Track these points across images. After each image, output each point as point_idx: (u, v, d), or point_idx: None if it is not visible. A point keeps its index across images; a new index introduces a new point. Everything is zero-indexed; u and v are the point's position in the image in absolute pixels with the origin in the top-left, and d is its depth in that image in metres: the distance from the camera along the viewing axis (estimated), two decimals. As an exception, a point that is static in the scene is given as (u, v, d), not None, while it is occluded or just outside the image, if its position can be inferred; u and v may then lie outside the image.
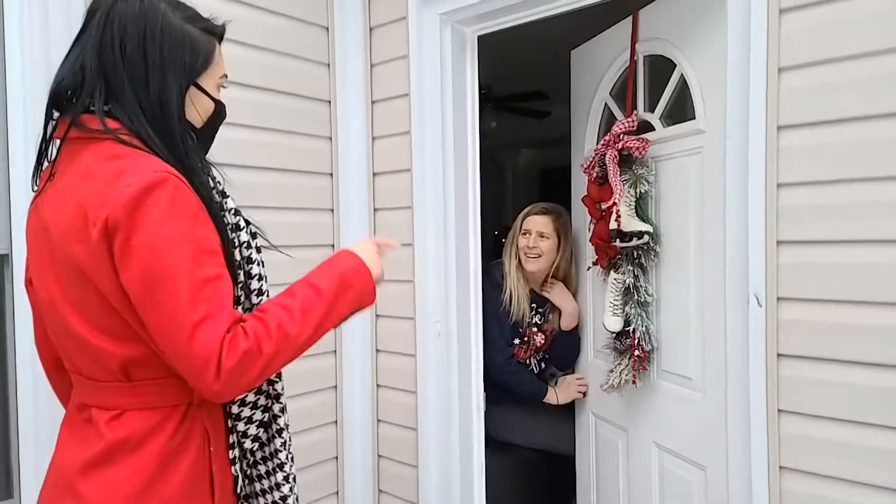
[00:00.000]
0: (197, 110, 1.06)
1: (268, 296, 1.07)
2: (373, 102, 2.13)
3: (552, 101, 4.34)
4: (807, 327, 1.34)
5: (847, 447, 1.30)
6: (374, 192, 2.14)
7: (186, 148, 1.00)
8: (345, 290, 1.04)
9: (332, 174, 2.14)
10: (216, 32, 1.07)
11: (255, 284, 1.05)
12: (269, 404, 1.10)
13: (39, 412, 1.52)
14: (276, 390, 1.10)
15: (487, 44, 2.08)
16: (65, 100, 0.99)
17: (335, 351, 2.16)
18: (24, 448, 1.53)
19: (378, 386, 2.17)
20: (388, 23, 2.06)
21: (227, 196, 1.05)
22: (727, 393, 1.49)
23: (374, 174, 2.14)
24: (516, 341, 2.38)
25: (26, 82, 1.51)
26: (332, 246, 2.15)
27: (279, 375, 1.10)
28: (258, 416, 1.08)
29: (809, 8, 1.31)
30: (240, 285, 1.03)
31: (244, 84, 1.86)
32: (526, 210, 2.43)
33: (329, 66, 2.12)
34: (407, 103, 2.01)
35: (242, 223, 1.06)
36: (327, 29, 2.11)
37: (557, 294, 2.37)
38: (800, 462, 1.35)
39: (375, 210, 2.14)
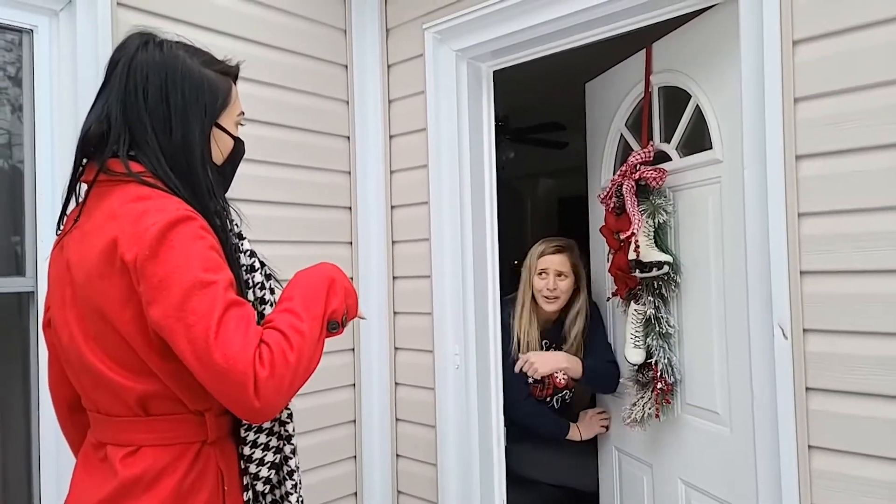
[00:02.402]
0: (219, 149, 1.09)
1: None
2: (391, 137, 2.16)
3: (569, 131, 4.37)
4: (835, 360, 1.30)
5: (881, 485, 1.25)
6: (393, 224, 2.16)
7: (209, 188, 1.03)
8: (331, 283, 1.05)
9: (350, 207, 2.17)
10: (231, 73, 1.11)
11: None
12: (281, 445, 1.10)
13: (61, 446, 1.52)
14: (287, 431, 1.10)
15: (504, 76, 2.10)
16: (92, 147, 1.02)
17: (354, 384, 2.16)
18: (46, 482, 1.54)
19: (397, 420, 2.16)
20: (406, 60, 2.10)
21: (244, 238, 1.07)
22: (755, 428, 1.45)
23: (392, 207, 2.16)
24: (531, 380, 2.30)
25: (54, 127, 1.56)
26: (351, 279, 2.16)
27: (290, 416, 1.10)
28: (270, 457, 1.08)
29: (823, 39, 1.31)
30: None
31: (266, 122, 1.90)
32: (539, 248, 2.35)
33: (348, 102, 2.16)
34: (424, 137, 2.04)
35: (257, 264, 1.07)
36: (346, 66, 2.16)
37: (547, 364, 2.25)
38: (832, 500, 1.31)
39: (394, 242, 2.16)
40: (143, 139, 1.00)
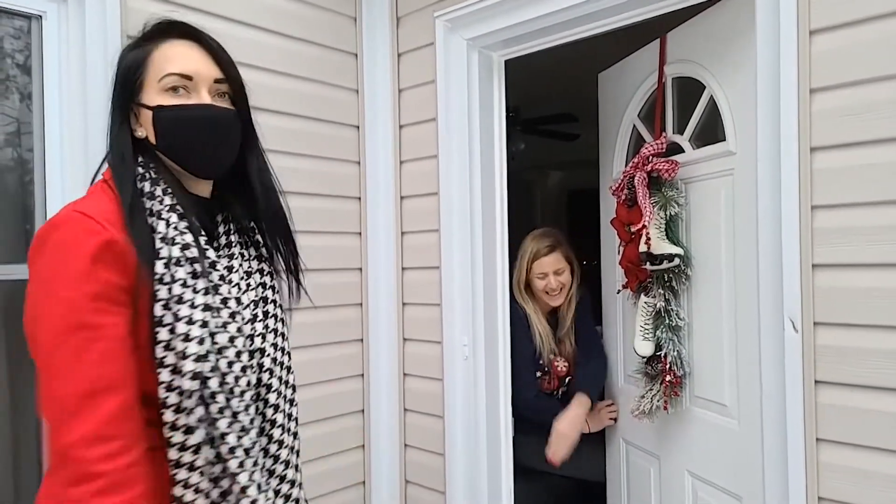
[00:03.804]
0: (146, 126, 0.99)
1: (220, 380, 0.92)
2: (401, 127, 2.15)
3: (581, 123, 4.33)
4: (845, 353, 1.29)
5: (889, 478, 1.24)
6: (402, 215, 2.15)
7: (118, 174, 0.97)
8: None
9: (360, 198, 2.16)
10: (152, 38, 1.01)
11: (191, 348, 0.90)
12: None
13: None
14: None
15: (516, 67, 2.09)
16: None
17: (363, 375, 2.16)
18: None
19: (405, 410, 2.16)
20: (416, 49, 2.09)
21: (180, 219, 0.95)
22: (763, 421, 1.44)
23: (402, 197, 2.15)
24: (538, 374, 2.34)
25: (63, 115, 1.57)
26: (360, 269, 2.17)
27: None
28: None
29: (839, 29, 1.29)
30: (161, 344, 0.90)
31: (275, 111, 1.90)
32: (530, 251, 2.34)
33: (358, 91, 2.15)
34: (434, 127, 2.03)
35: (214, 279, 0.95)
36: (356, 55, 2.15)
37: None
38: (839, 493, 1.30)
39: (403, 233, 2.15)
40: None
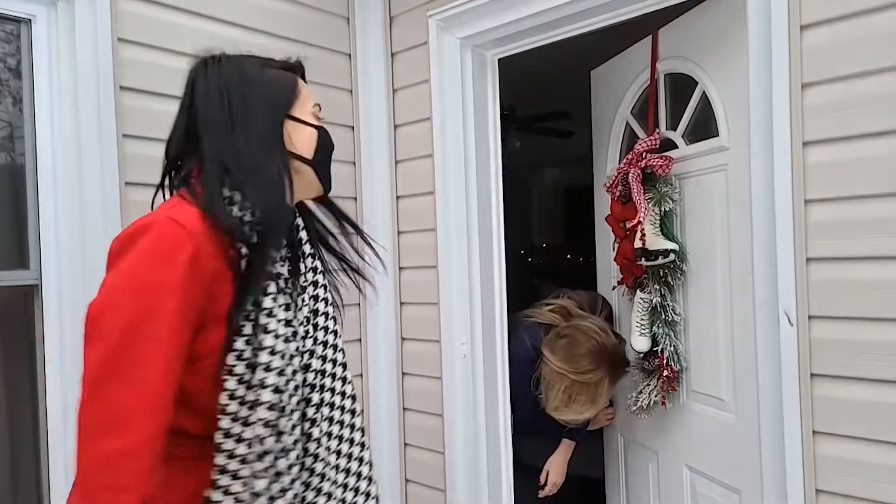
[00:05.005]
0: (302, 140, 1.07)
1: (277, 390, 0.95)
2: (395, 127, 2.15)
3: (576, 120, 4.34)
4: (840, 346, 1.30)
5: (885, 469, 1.25)
6: (398, 214, 2.16)
7: (277, 182, 1.00)
8: None
9: (356, 198, 2.16)
10: (294, 68, 1.12)
11: (274, 362, 0.94)
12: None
13: (68, 440, 1.54)
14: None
15: (510, 65, 2.09)
16: (170, 178, 1.07)
17: (361, 374, 2.17)
18: (55, 473, 1.56)
19: (405, 409, 2.17)
20: (410, 48, 2.09)
21: (315, 267, 1.05)
22: (760, 414, 1.45)
23: (398, 197, 2.15)
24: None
25: (55, 119, 1.56)
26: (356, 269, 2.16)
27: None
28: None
29: (830, 23, 1.29)
30: (244, 361, 0.93)
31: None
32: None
33: (352, 91, 2.15)
34: (429, 127, 2.03)
35: (311, 298, 1.03)
36: (349, 56, 2.15)
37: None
38: (837, 485, 1.31)
39: (399, 233, 2.15)
40: (208, 148, 0.99)
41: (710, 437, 1.78)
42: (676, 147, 1.87)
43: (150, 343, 0.85)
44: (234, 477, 0.93)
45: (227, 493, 0.94)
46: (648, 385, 1.90)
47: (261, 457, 0.94)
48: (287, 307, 0.98)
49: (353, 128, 2.15)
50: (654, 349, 1.89)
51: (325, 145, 1.11)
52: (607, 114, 2.21)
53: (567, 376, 1.96)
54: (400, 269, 2.16)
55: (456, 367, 1.99)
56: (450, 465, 2.01)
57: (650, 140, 1.87)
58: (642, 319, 1.92)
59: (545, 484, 2.23)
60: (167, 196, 1.07)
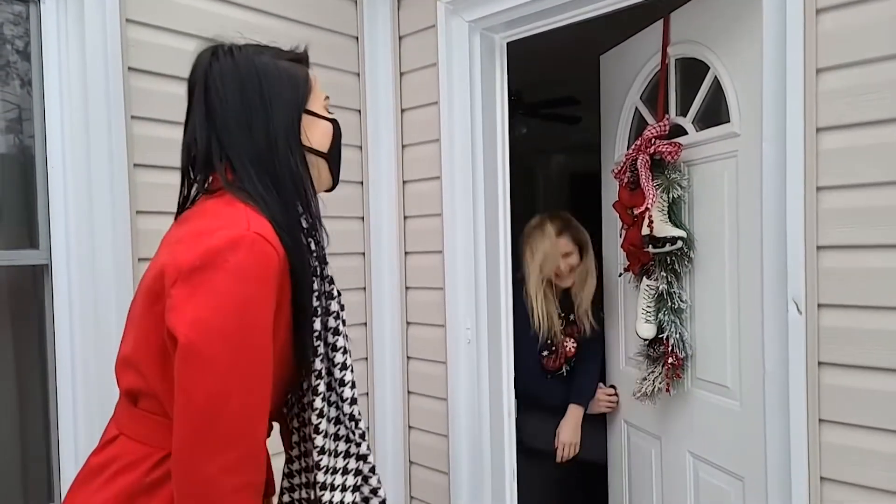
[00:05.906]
0: (318, 135, 1.07)
1: (352, 371, 1.08)
2: (402, 111, 2.14)
3: (584, 106, 4.31)
4: (849, 335, 1.30)
5: (891, 458, 1.25)
6: (405, 199, 2.15)
7: (298, 184, 1.01)
8: None
9: (362, 182, 2.16)
10: (302, 59, 1.10)
11: (339, 358, 1.06)
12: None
13: (78, 418, 1.56)
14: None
15: (518, 50, 2.07)
16: (193, 172, 1.05)
17: (366, 358, 2.17)
18: (65, 454, 1.57)
19: (409, 393, 2.18)
20: (417, 31, 2.07)
21: (327, 263, 1.05)
22: (766, 402, 1.45)
23: (404, 182, 2.15)
24: (545, 353, 2.34)
25: (64, 101, 1.56)
26: (363, 254, 2.17)
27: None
28: None
29: (846, 7, 1.28)
30: (320, 357, 1.03)
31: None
32: (546, 235, 2.30)
33: (359, 75, 2.14)
34: (436, 111, 2.02)
35: (336, 292, 1.07)
36: (357, 38, 2.13)
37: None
38: (842, 474, 1.31)
39: (405, 218, 2.15)
40: (231, 145, 0.99)
41: (715, 425, 1.79)
42: (686, 133, 1.86)
43: (257, 353, 0.90)
44: (334, 454, 1.10)
45: (329, 470, 1.09)
46: (654, 372, 1.90)
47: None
48: (328, 310, 1.06)
49: (359, 111, 2.14)
50: (660, 336, 1.88)
51: (339, 137, 1.12)
52: (616, 99, 2.19)
53: (529, 244, 2.32)
54: (406, 253, 2.16)
55: (461, 352, 1.99)
56: (454, 448, 2.02)
57: (659, 126, 1.86)
58: (648, 306, 1.92)
59: (561, 455, 2.29)
60: (191, 192, 1.07)
